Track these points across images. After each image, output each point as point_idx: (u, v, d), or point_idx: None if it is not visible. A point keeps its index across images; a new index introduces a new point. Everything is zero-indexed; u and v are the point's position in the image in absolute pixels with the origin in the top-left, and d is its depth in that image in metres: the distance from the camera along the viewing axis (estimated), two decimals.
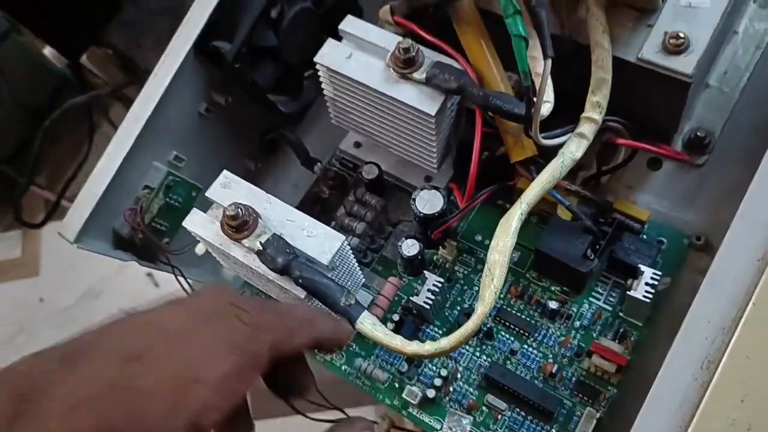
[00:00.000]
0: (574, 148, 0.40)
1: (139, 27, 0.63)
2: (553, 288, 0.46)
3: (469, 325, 0.35)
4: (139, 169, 0.46)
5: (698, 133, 0.47)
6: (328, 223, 0.50)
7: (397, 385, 0.45)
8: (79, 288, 1.45)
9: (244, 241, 0.38)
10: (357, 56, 0.43)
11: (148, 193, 0.47)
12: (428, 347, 0.34)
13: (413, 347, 0.35)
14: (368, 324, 0.36)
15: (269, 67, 0.49)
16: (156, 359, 0.24)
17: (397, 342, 0.35)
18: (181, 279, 0.50)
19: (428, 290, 0.44)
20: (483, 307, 0.35)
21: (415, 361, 0.45)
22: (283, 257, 0.36)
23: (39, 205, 1.27)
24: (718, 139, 0.47)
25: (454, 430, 0.43)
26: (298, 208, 0.51)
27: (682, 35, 0.39)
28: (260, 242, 0.37)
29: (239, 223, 0.37)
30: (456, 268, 0.48)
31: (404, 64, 0.41)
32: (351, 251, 0.40)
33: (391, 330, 0.45)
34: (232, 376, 0.24)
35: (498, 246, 0.36)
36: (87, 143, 0.84)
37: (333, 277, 0.39)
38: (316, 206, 0.52)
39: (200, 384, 0.23)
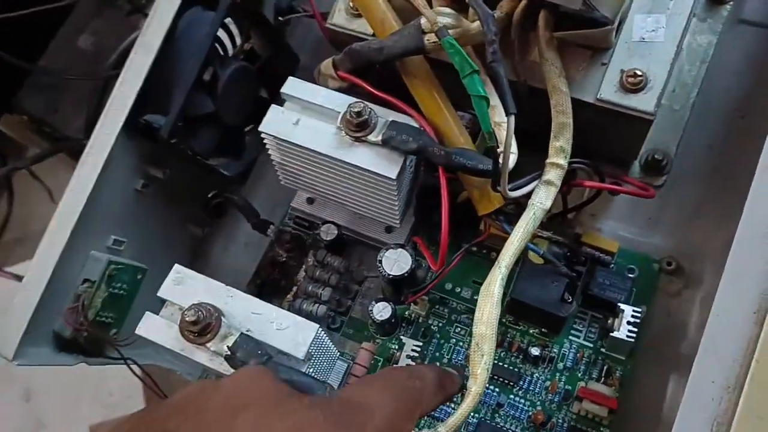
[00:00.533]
0: (543, 197, 0.38)
1: (54, 91, 0.58)
2: (531, 330, 0.45)
3: (464, 408, 0.33)
4: (76, 263, 0.42)
5: (655, 156, 0.46)
6: (289, 289, 0.48)
7: None
8: None
9: (209, 345, 0.34)
10: (305, 122, 0.40)
11: (89, 287, 0.42)
12: None
13: None
14: None
15: (208, 133, 0.45)
16: None
17: None
18: (136, 368, 0.46)
19: (407, 356, 0.42)
20: (477, 386, 0.33)
21: None
22: (254, 360, 0.33)
23: None
24: (675, 158, 0.47)
25: None
26: (255, 275, 0.49)
27: (639, 72, 0.38)
28: (227, 346, 0.34)
29: (201, 327, 0.34)
30: (430, 321, 0.46)
31: (357, 128, 0.38)
32: (325, 335, 0.37)
33: None
34: None
35: (483, 318, 0.34)
36: (5, 215, 0.77)
37: (310, 366, 0.37)
38: (275, 271, 0.49)
39: None
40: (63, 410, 1.31)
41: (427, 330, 0.46)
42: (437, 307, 0.46)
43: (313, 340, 0.35)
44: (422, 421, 0.43)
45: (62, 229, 0.40)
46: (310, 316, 0.45)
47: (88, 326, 0.42)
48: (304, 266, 0.48)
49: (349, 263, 0.47)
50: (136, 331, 0.36)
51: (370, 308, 0.43)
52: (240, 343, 0.34)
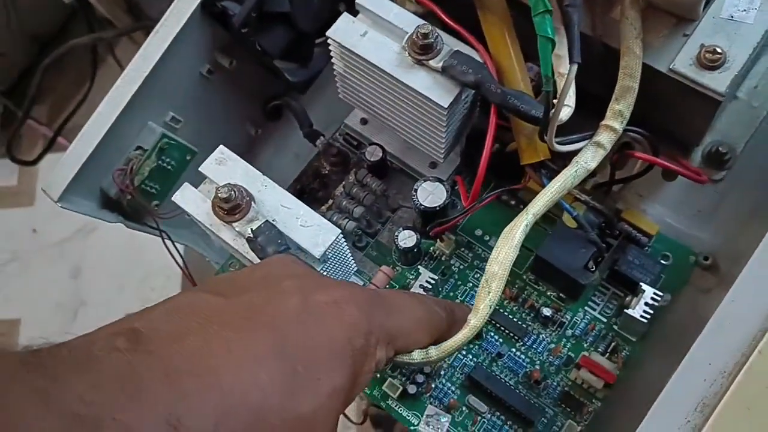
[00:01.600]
0: (589, 157, 0.38)
1: None
2: (549, 293, 0.45)
3: (459, 338, 0.33)
4: (133, 128, 0.44)
5: (720, 148, 0.45)
6: (325, 201, 0.49)
7: (378, 376, 0.44)
8: (74, 223, 1.44)
9: (235, 225, 0.36)
10: (372, 35, 0.40)
11: (140, 155, 0.45)
12: (415, 355, 0.33)
13: (399, 355, 0.33)
14: None
15: (279, 33, 0.46)
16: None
17: None
18: (169, 243, 0.49)
19: (420, 286, 0.42)
20: (476, 319, 0.34)
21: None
22: (273, 248, 0.35)
23: (37, 138, 1.24)
24: (740, 155, 0.45)
25: (432, 426, 0.43)
26: (296, 180, 0.51)
27: (719, 50, 0.36)
28: (251, 229, 0.35)
29: (231, 206, 0.35)
30: (452, 261, 0.47)
31: (421, 50, 0.39)
32: (345, 243, 0.38)
33: None
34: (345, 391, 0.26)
35: (498, 257, 0.35)
36: (89, 82, 0.81)
37: (325, 269, 0.38)
38: (315, 181, 0.50)
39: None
40: (105, 294, 1.38)
41: (447, 269, 0.46)
42: (462, 249, 0.47)
43: (332, 244, 0.36)
44: None
45: (125, 90, 0.42)
46: (338, 227, 0.46)
47: (132, 190, 0.45)
48: (343, 182, 0.49)
49: (387, 189, 0.48)
50: (173, 198, 0.38)
51: (396, 233, 0.44)
52: (263, 228, 0.35)
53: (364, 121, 0.50)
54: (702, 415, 0.29)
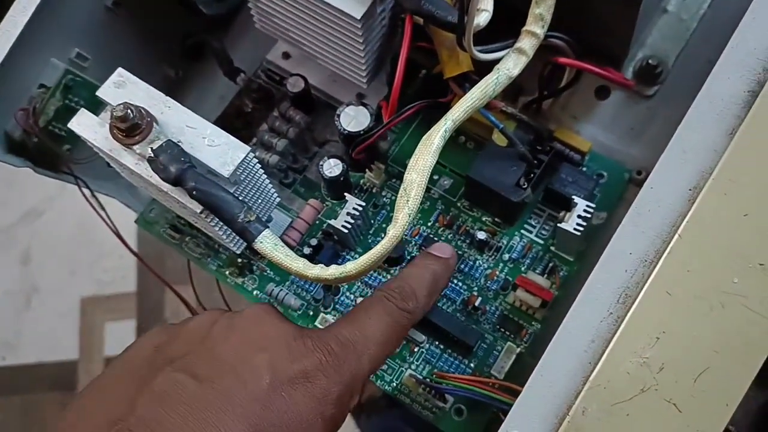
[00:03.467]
0: (511, 64, 0.36)
1: None
2: (484, 218, 0.44)
3: (378, 249, 0.32)
4: (33, 64, 0.41)
5: (650, 62, 0.43)
6: (249, 139, 0.47)
7: (311, 313, 0.43)
8: (21, 207, 1.39)
9: (136, 147, 0.34)
10: None
11: (43, 93, 0.42)
12: (332, 271, 0.31)
13: (315, 271, 0.32)
14: (268, 244, 0.32)
15: None
16: None
17: (299, 265, 0.32)
18: (86, 191, 0.46)
19: (348, 213, 0.40)
20: (395, 229, 0.32)
21: (332, 288, 0.43)
22: (176, 166, 0.32)
23: None
24: (671, 69, 0.44)
25: None
26: (217, 120, 0.48)
27: None
28: (151, 148, 0.33)
29: (129, 126, 0.33)
30: (383, 193, 0.45)
31: None
32: (258, 165, 0.36)
33: (308, 255, 0.42)
34: None
35: (417, 165, 0.33)
36: None
37: (238, 193, 0.36)
38: (238, 120, 0.48)
39: None
40: (57, 279, 1.34)
41: (379, 200, 0.45)
42: (394, 180, 0.45)
43: (241, 162, 0.34)
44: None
45: (17, 21, 0.39)
46: (262, 163, 0.44)
47: (38, 132, 0.42)
48: (266, 119, 0.46)
49: (313, 122, 0.46)
50: (69, 125, 0.35)
51: (321, 163, 0.42)
52: (164, 147, 0.33)
53: (286, 56, 0.48)
54: (624, 306, 0.28)
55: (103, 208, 0.47)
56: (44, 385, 1.30)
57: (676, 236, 0.27)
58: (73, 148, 0.45)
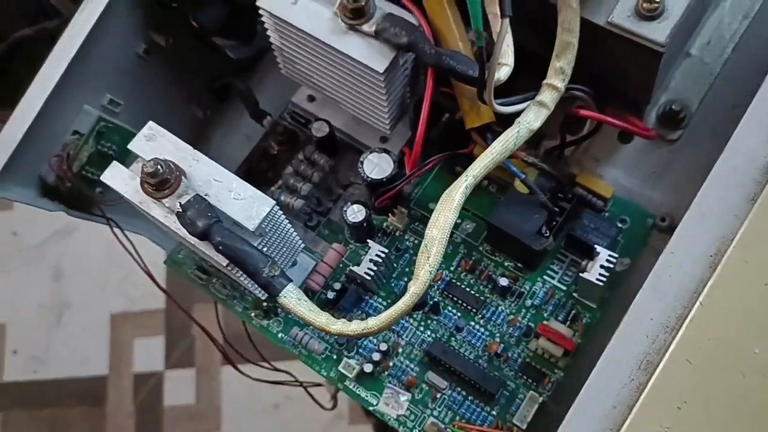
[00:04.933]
0: (532, 117, 0.37)
1: None
2: (506, 263, 0.44)
3: (399, 305, 0.32)
4: (67, 112, 0.43)
5: (673, 107, 0.43)
6: (275, 181, 0.48)
7: (334, 357, 0.43)
8: (53, 224, 1.42)
9: (165, 201, 0.35)
10: (303, 2, 0.39)
11: (77, 139, 0.43)
12: (354, 327, 0.32)
13: (338, 326, 0.32)
14: (292, 298, 0.33)
15: (214, 7, 0.45)
16: None
17: (322, 319, 0.32)
18: (118, 231, 0.48)
19: (370, 260, 0.41)
20: (416, 286, 0.32)
21: None
22: (203, 221, 0.33)
23: None
24: (695, 114, 0.44)
25: (390, 406, 0.41)
26: (244, 162, 0.49)
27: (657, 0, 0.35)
28: (180, 203, 0.34)
29: (159, 181, 0.34)
30: (406, 237, 0.45)
31: (353, 14, 0.37)
32: (284, 216, 0.37)
33: (332, 299, 0.43)
34: None
35: (438, 221, 0.33)
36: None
37: (263, 244, 0.36)
38: (264, 161, 0.49)
39: None
40: (88, 294, 1.37)
41: (402, 244, 0.45)
42: (416, 224, 0.45)
43: (267, 216, 0.35)
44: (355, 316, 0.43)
45: (53, 72, 0.40)
46: (287, 208, 0.45)
47: (72, 177, 0.43)
48: (292, 162, 0.47)
49: (336, 165, 0.47)
50: (101, 177, 0.37)
51: (344, 208, 0.43)
52: (193, 201, 0.34)
53: (311, 98, 0.49)
54: (645, 373, 0.28)
55: (131, 243, 0.48)
56: (73, 399, 1.32)
57: (698, 303, 0.27)
58: (105, 190, 0.46)
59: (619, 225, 0.43)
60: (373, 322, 0.32)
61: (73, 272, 1.39)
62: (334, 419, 1.19)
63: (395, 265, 0.45)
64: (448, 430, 0.39)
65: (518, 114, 0.38)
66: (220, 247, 0.33)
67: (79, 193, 0.45)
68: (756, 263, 0.27)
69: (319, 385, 0.59)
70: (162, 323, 1.36)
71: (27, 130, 0.41)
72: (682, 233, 0.29)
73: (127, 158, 0.46)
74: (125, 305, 1.37)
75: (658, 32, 0.35)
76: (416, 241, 0.45)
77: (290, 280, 0.33)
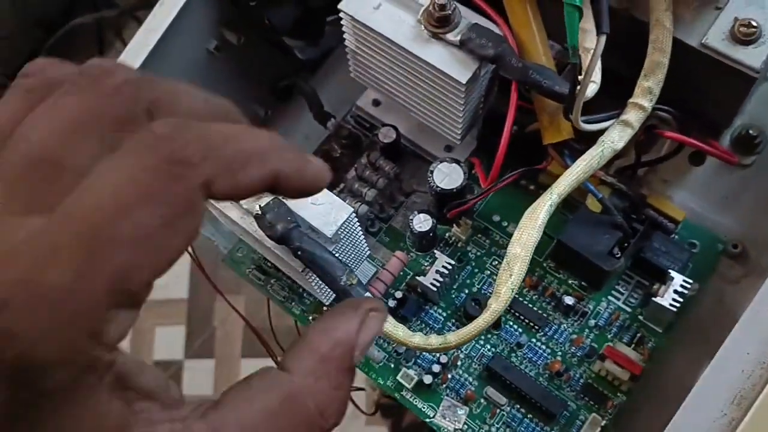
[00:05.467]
0: (616, 137, 0.36)
1: None
2: (570, 281, 0.43)
3: (480, 322, 0.32)
4: None
5: (750, 131, 0.43)
6: (337, 185, 0.47)
7: (392, 366, 0.43)
8: None
9: (242, 202, 0.34)
10: (386, 8, 0.38)
11: None
12: (433, 341, 0.31)
13: (417, 340, 0.32)
14: None
15: (288, 7, 0.44)
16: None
17: (400, 333, 0.32)
18: None
19: (437, 271, 0.40)
20: (497, 303, 0.32)
21: None
22: (282, 225, 0.33)
23: None
24: None
25: (448, 419, 0.41)
26: None
27: (754, 23, 0.34)
28: (260, 205, 0.33)
29: None
30: (468, 248, 0.45)
31: (438, 23, 0.37)
32: (358, 223, 0.36)
33: (393, 307, 0.42)
34: (157, 230, 0.16)
35: (521, 239, 0.33)
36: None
37: (336, 250, 0.36)
38: (327, 164, 0.48)
39: (115, 243, 0.16)
40: None
41: (464, 256, 0.44)
42: (479, 235, 0.45)
43: (344, 223, 0.34)
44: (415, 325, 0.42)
45: (131, 63, 0.40)
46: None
47: None
48: (355, 165, 0.47)
49: (401, 172, 0.46)
50: None
51: (411, 217, 0.42)
52: (272, 204, 0.33)
53: (376, 103, 0.48)
54: (739, 408, 0.27)
55: None
56: None
57: None
58: None
59: (690, 249, 0.42)
60: (452, 338, 0.31)
61: None
62: (351, 417, 1.19)
63: (456, 276, 0.44)
64: None
65: (597, 131, 0.37)
66: (299, 253, 0.33)
67: None
68: None
69: (361, 389, 0.59)
70: (184, 313, 1.36)
71: None
72: None
73: None
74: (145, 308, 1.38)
75: (753, 57, 0.34)
76: (478, 253, 0.45)
77: (366, 290, 0.33)
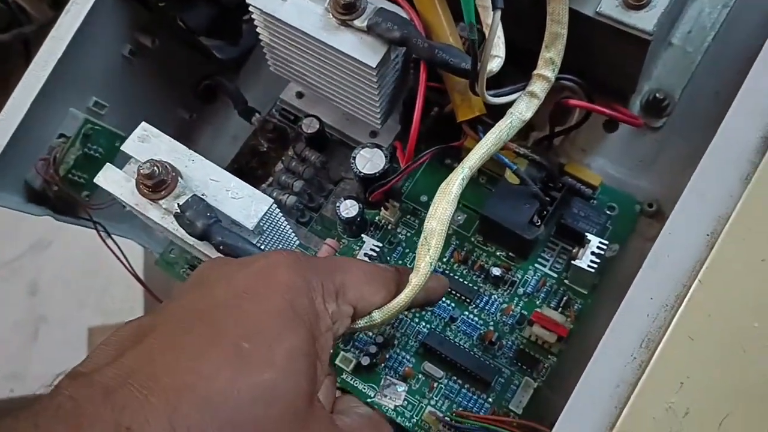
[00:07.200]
0: (523, 108, 0.37)
1: None
2: (498, 253, 0.44)
3: (401, 298, 0.32)
4: (53, 115, 0.42)
5: (657, 95, 0.44)
6: (265, 179, 0.48)
7: (331, 351, 0.43)
8: (29, 238, 1.39)
9: (162, 202, 0.34)
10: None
11: (63, 142, 0.43)
12: (359, 321, 0.32)
13: None
14: None
15: (201, 7, 0.44)
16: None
17: None
18: (104, 235, 0.47)
19: (365, 254, 0.41)
20: (417, 278, 0.33)
21: None
22: (202, 221, 0.33)
23: None
24: (678, 102, 0.45)
25: (388, 397, 0.42)
26: (234, 160, 0.49)
27: None
28: (178, 204, 0.34)
29: (155, 182, 0.34)
30: (398, 230, 0.46)
31: (344, 10, 0.37)
32: (281, 214, 0.37)
33: None
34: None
35: (436, 213, 0.34)
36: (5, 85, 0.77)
37: (261, 242, 0.36)
38: (254, 160, 0.49)
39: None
40: (65, 309, 1.34)
41: (395, 238, 0.45)
42: (409, 216, 0.46)
43: (265, 214, 0.35)
44: None
45: (38, 75, 0.40)
46: (279, 205, 0.45)
47: (58, 181, 0.43)
48: (282, 158, 0.47)
49: (328, 161, 0.47)
50: (95, 180, 0.36)
51: (337, 204, 0.43)
52: (191, 202, 0.34)
53: (299, 95, 0.49)
54: (647, 351, 0.28)
55: (116, 244, 0.48)
56: None
57: (696, 281, 0.28)
58: (92, 194, 0.46)
59: (608, 212, 0.43)
60: (377, 315, 0.32)
61: (50, 287, 1.37)
62: None
63: (389, 258, 0.45)
64: (446, 418, 0.40)
65: (509, 105, 0.38)
66: (221, 247, 0.33)
67: (66, 197, 0.44)
68: (752, 240, 0.28)
69: None
70: None
71: (12, 135, 0.40)
72: (678, 214, 0.30)
73: (114, 160, 0.46)
74: (103, 319, 1.35)
75: (645, 21, 0.36)
76: (408, 234, 0.45)
77: None
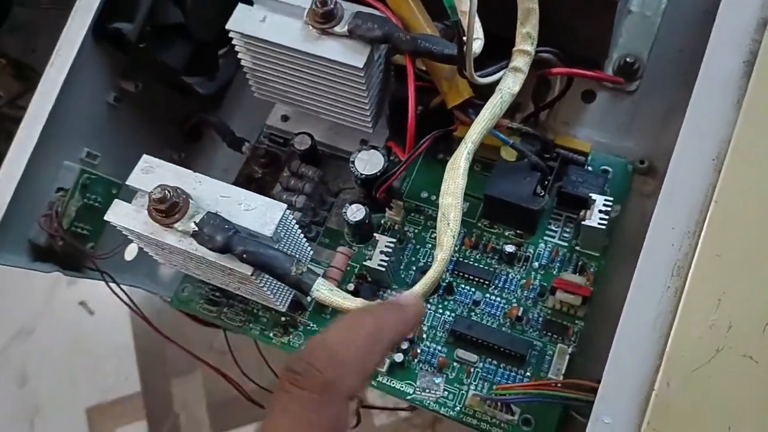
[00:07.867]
0: (510, 82, 0.39)
1: (31, 28, 0.58)
2: (506, 233, 0.45)
3: (432, 273, 0.33)
4: (48, 171, 0.42)
5: (627, 59, 0.47)
6: None
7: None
8: (12, 327, 1.36)
9: (177, 225, 0.35)
10: (272, 18, 0.40)
11: (62, 196, 0.43)
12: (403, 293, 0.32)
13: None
14: (325, 291, 0.33)
15: (178, 45, 0.45)
16: None
17: (359, 304, 0.33)
18: (113, 285, 0.47)
19: (381, 252, 0.42)
20: (443, 252, 0.33)
21: None
22: (222, 234, 0.33)
23: None
24: (647, 63, 0.47)
25: (428, 391, 0.42)
26: None
27: None
28: (194, 222, 0.34)
29: (168, 206, 0.34)
30: (405, 228, 0.46)
31: (323, 19, 0.39)
32: (294, 220, 0.37)
33: None
34: None
35: (449, 189, 0.35)
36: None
37: (280, 248, 0.37)
38: (251, 187, 0.49)
39: None
40: (59, 394, 1.30)
41: (403, 236, 0.46)
42: (413, 214, 0.47)
43: (281, 220, 0.35)
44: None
45: (31, 132, 0.40)
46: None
47: (63, 234, 0.43)
48: (279, 180, 0.48)
49: (324, 174, 0.48)
50: (105, 217, 0.36)
51: (344, 210, 0.43)
52: (206, 219, 0.34)
53: (284, 118, 0.50)
54: (679, 278, 0.29)
55: (125, 293, 0.47)
56: None
57: (712, 204, 0.29)
58: (96, 245, 0.46)
59: (604, 174, 0.45)
60: (418, 288, 0.32)
61: (39, 375, 1.33)
62: None
63: (401, 256, 0.45)
64: (491, 395, 0.40)
65: (494, 86, 0.40)
66: (245, 256, 0.33)
67: (72, 250, 0.44)
68: (755, 156, 0.29)
69: None
70: (141, 407, 1.31)
71: (13, 195, 0.40)
72: (681, 148, 0.31)
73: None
74: (99, 397, 1.31)
75: None
76: (416, 231, 0.46)
77: (318, 275, 0.34)
